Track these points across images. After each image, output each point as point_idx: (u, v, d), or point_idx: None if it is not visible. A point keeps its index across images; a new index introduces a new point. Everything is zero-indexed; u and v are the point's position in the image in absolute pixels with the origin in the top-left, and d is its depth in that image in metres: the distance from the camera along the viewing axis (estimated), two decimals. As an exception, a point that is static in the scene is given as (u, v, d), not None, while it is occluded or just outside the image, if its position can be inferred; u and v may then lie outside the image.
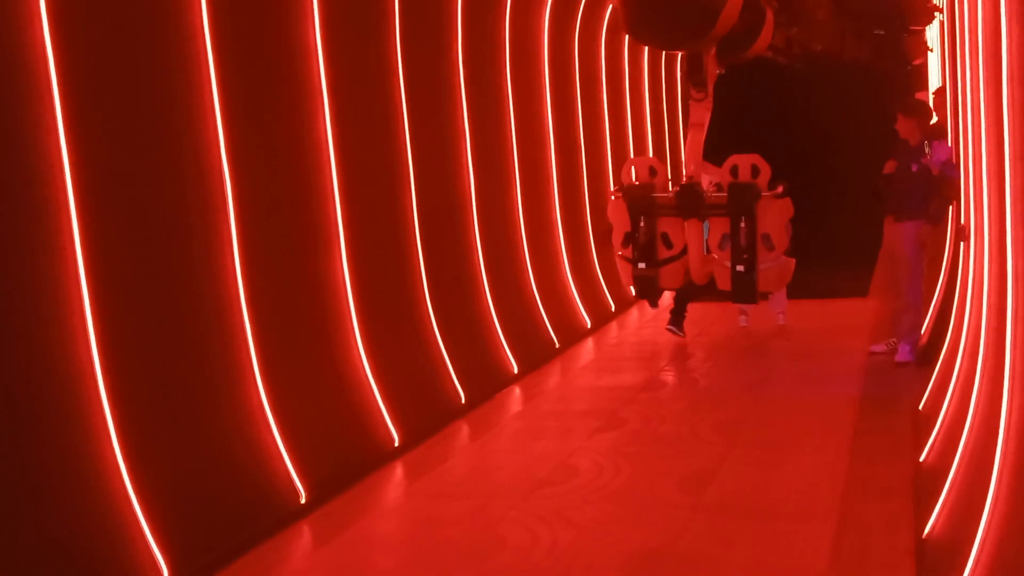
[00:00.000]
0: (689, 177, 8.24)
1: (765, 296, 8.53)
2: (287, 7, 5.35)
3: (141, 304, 4.31)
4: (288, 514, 4.80)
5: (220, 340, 4.74)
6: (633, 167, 8.63)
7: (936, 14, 11.05)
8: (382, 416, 5.78)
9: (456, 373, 6.71)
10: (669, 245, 8.21)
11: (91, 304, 3.92)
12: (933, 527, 4.15)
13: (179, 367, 4.51)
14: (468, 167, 7.41)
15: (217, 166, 4.73)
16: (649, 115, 11.74)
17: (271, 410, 4.92)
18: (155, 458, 4.17)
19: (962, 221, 6.37)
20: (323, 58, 5.53)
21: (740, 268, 7.87)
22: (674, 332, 8.57)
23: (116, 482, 3.97)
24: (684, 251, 8.19)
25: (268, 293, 5.02)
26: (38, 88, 3.77)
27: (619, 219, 8.34)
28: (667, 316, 8.71)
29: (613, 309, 9.91)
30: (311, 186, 5.53)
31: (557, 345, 8.39)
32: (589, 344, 8.83)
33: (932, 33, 12.14)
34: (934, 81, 12.44)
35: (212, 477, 4.52)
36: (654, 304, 8.61)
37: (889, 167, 7.37)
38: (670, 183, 8.89)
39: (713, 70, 8.26)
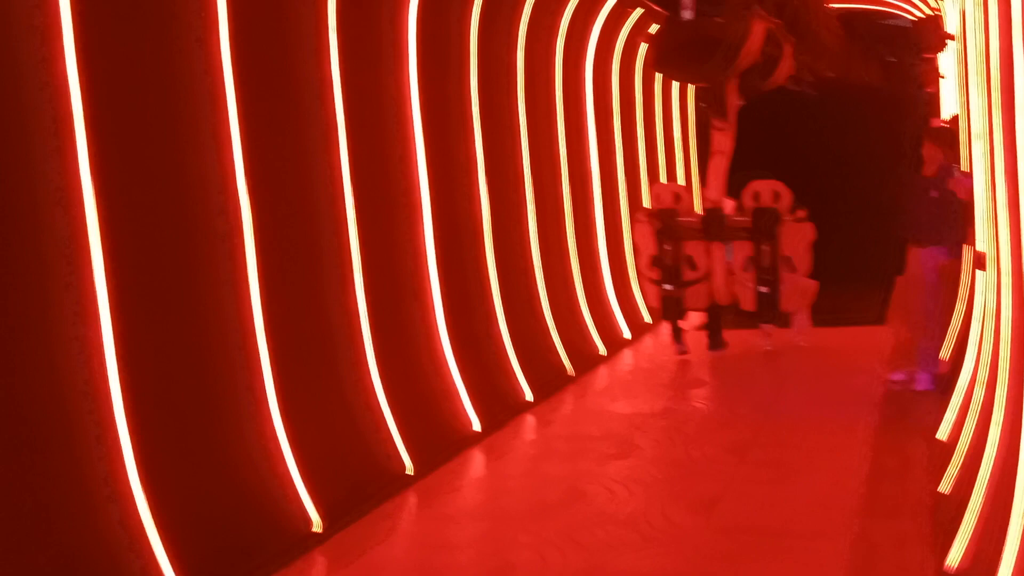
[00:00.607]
0: (712, 202, 8.60)
1: (787, 320, 8.73)
2: (304, 39, 5.42)
3: (159, 327, 4.34)
4: (302, 541, 4.79)
5: (237, 366, 4.76)
6: (658, 192, 8.97)
7: (948, 42, 11.09)
8: (395, 444, 5.78)
9: (470, 400, 6.71)
10: (694, 267, 8.60)
11: (112, 327, 3.95)
12: (955, 555, 4.11)
13: (195, 392, 4.53)
14: (481, 194, 7.46)
15: (235, 193, 4.78)
16: (663, 141, 11.80)
17: (286, 436, 4.92)
18: (170, 482, 4.17)
19: (978, 249, 6.35)
20: (339, 88, 5.60)
21: (763, 289, 8.33)
22: (717, 349, 8.85)
23: (131, 506, 3.98)
24: (709, 273, 8.52)
25: (284, 319, 5.05)
26: (65, 119, 3.82)
27: (645, 242, 8.72)
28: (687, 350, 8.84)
29: (628, 336, 9.89)
30: (326, 213, 5.57)
31: (571, 372, 8.38)
32: (603, 371, 8.81)
33: (945, 61, 12.17)
34: (948, 108, 12.46)
35: (227, 503, 4.53)
36: (682, 346, 8.79)
37: (929, 169, 7.29)
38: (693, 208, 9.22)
39: (734, 101, 8.63)
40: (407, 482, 5.67)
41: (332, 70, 5.57)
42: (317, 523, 4.92)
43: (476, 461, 6.27)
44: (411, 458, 5.81)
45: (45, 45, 3.77)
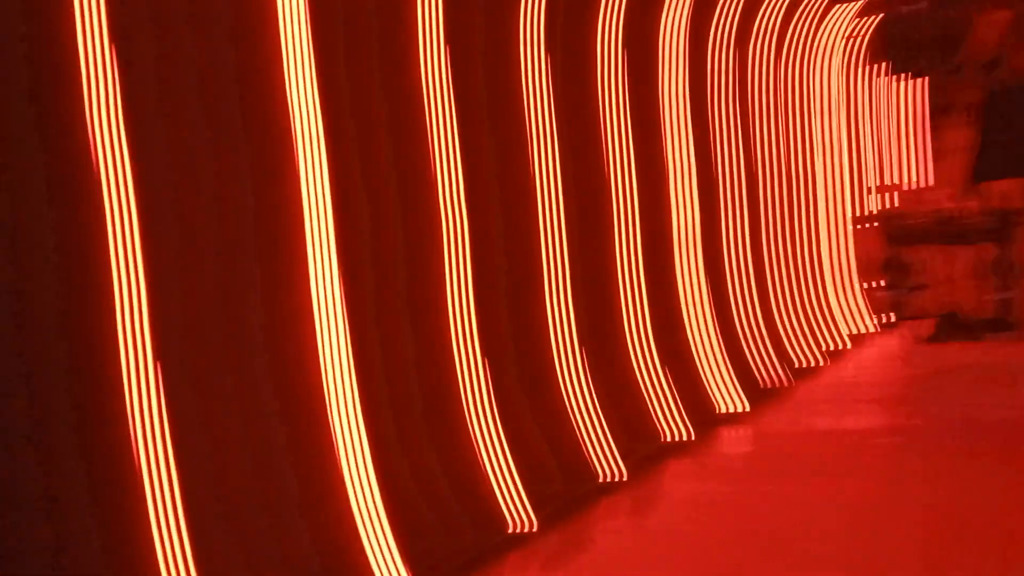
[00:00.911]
0: (948, 203, 8.20)
1: None
2: (511, 53, 5.64)
3: (387, 331, 4.64)
4: (511, 541, 4.98)
5: (456, 369, 5.02)
6: (888, 194, 8.64)
7: None
8: (605, 450, 5.88)
9: (673, 411, 6.72)
10: (927, 272, 8.21)
11: (348, 339, 4.25)
12: None
13: (422, 391, 4.83)
14: (691, 201, 7.46)
15: (454, 210, 5.07)
16: (891, 140, 11.25)
17: (502, 439, 5.14)
18: (397, 477, 4.44)
19: None
20: (543, 100, 5.76)
21: (1003, 295, 7.80)
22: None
23: (363, 495, 4.25)
24: (942, 278, 8.13)
25: (496, 327, 5.29)
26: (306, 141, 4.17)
27: (875, 246, 8.41)
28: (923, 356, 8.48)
29: (846, 346, 9.48)
30: (537, 226, 5.78)
31: (781, 383, 8.19)
32: (816, 383, 8.52)
33: None
34: None
35: (449, 501, 4.80)
36: (911, 348, 8.42)
37: None
38: (923, 210, 8.82)
39: (972, 95, 8.18)
40: (617, 487, 5.77)
41: (536, 84, 5.74)
42: (532, 523, 5.08)
43: (676, 471, 6.27)
44: (619, 466, 5.89)
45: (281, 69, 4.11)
